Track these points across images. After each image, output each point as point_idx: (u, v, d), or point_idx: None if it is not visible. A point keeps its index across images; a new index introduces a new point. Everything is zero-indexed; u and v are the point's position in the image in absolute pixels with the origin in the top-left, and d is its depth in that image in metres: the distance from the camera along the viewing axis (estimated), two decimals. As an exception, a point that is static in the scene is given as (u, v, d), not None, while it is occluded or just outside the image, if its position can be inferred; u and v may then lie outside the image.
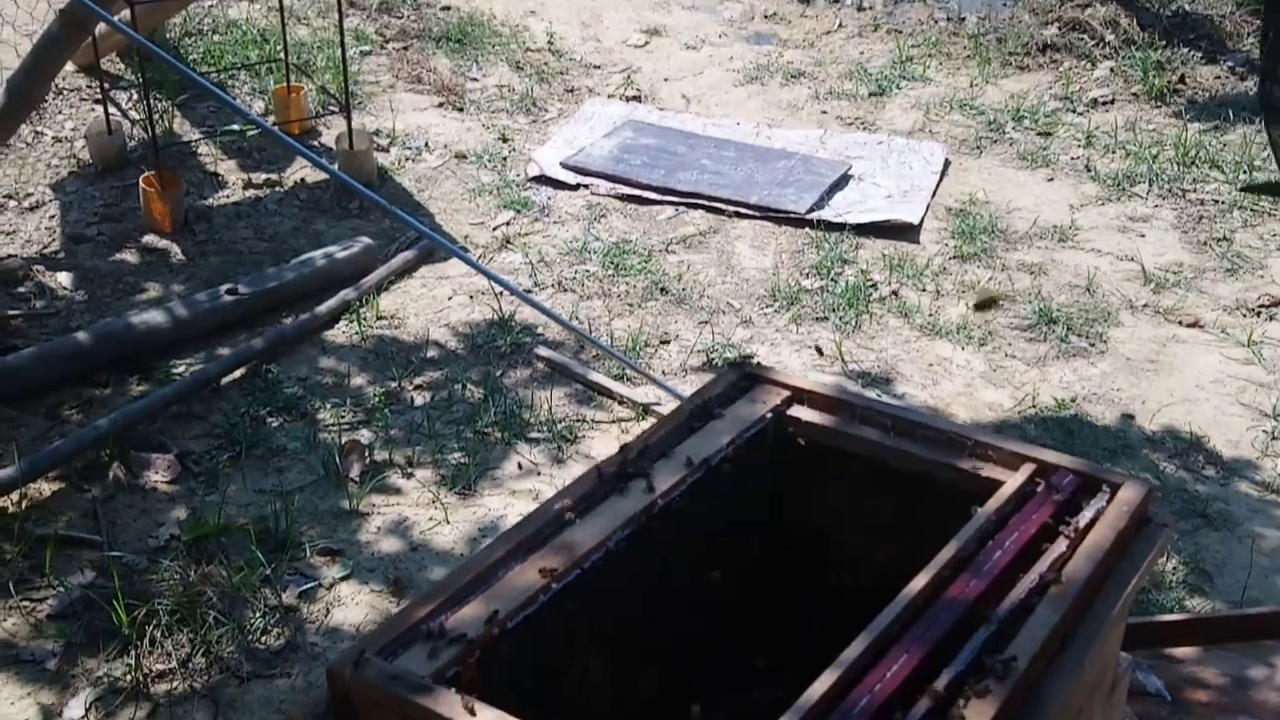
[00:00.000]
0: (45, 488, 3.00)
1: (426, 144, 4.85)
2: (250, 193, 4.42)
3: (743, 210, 4.42)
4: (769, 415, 1.68)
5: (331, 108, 4.88)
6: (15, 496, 2.94)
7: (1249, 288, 4.06)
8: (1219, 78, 5.59)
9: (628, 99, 5.36)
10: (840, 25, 6.21)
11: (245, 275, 3.82)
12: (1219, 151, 4.91)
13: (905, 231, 4.32)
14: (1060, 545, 1.40)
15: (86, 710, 2.43)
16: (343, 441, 3.20)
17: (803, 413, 1.69)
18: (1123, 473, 1.52)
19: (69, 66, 4.77)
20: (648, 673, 1.58)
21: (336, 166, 4.26)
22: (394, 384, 3.46)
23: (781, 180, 4.58)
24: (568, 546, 1.42)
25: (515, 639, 1.32)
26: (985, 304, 3.89)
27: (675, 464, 1.57)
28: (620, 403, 3.41)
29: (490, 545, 1.41)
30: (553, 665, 1.43)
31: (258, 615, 2.66)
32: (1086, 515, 1.44)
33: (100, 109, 4.56)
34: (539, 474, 3.14)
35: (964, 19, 6.26)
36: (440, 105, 5.17)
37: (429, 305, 3.85)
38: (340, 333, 3.69)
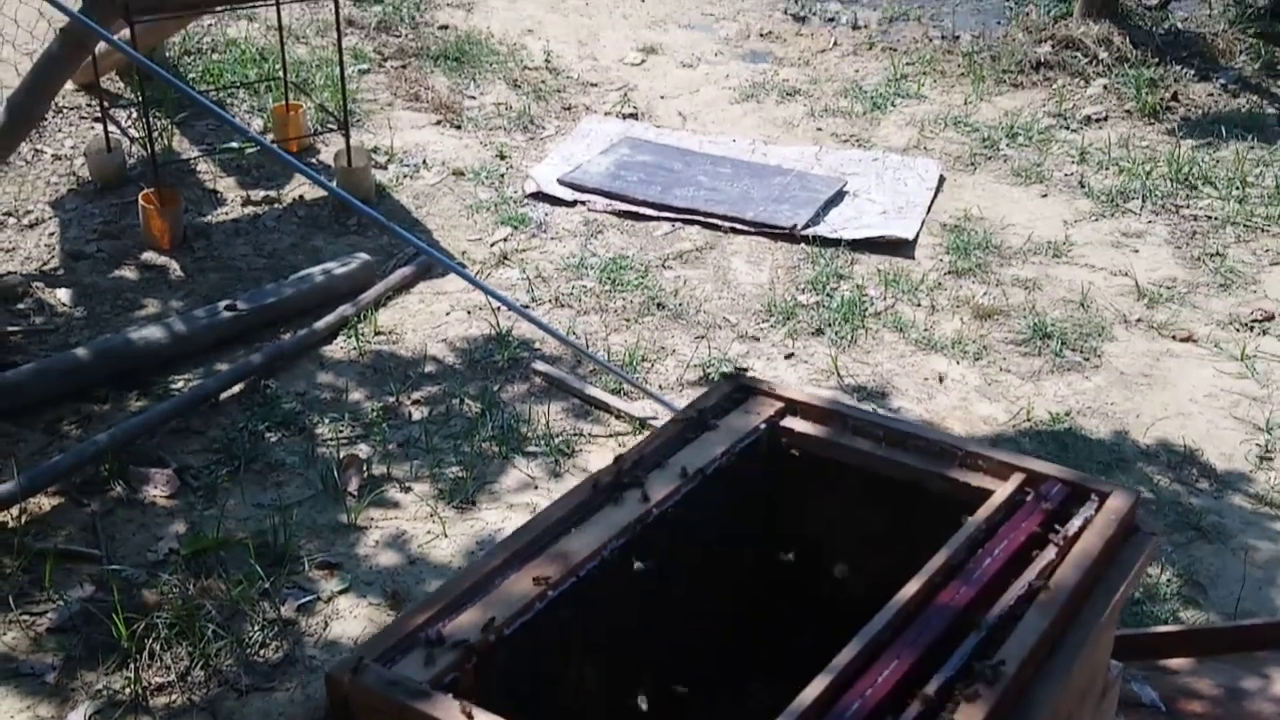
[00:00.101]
0: (45, 502, 3.02)
1: (424, 161, 4.88)
2: (249, 210, 4.44)
3: (738, 226, 4.45)
4: (763, 426, 1.70)
5: (330, 125, 4.91)
6: (15, 511, 2.95)
7: (1242, 302, 4.09)
8: (1211, 95, 5.64)
9: (624, 116, 5.40)
10: (835, 43, 6.26)
11: (244, 291, 3.84)
12: (1212, 168, 4.95)
13: (900, 247, 4.35)
14: (1049, 553, 1.42)
15: (85, 723, 2.44)
16: (341, 456, 3.21)
17: (796, 424, 1.71)
18: (1111, 482, 1.53)
19: (69, 85, 4.81)
20: (642, 681, 1.60)
21: (335, 184, 4.28)
22: (392, 399, 3.48)
23: (777, 196, 4.61)
24: (563, 555, 1.43)
25: (511, 646, 1.33)
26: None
27: (670, 474, 1.59)
28: (617, 417, 3.43)
29: (487, 554, 1.43)
30: (549, 673, 1.44)
31: (256, 628, 2.68)
32: (1075, 524, 1.46)
33: (100, 127, 4.59)
34: (536, 487, 3.16)
35: (958, 37, 6.31)
36: (438, 123, 5.21)
37: (427, 321, 3.87)
38: (338, 348, 3.71)
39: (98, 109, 4.74)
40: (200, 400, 3.36)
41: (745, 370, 1.82)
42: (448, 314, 3.91)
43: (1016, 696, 1.25)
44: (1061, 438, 3.39)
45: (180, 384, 3.49)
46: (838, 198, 4.66)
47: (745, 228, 4.44)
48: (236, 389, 3.46)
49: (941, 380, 3.62)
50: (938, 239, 4.44)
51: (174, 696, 2.51)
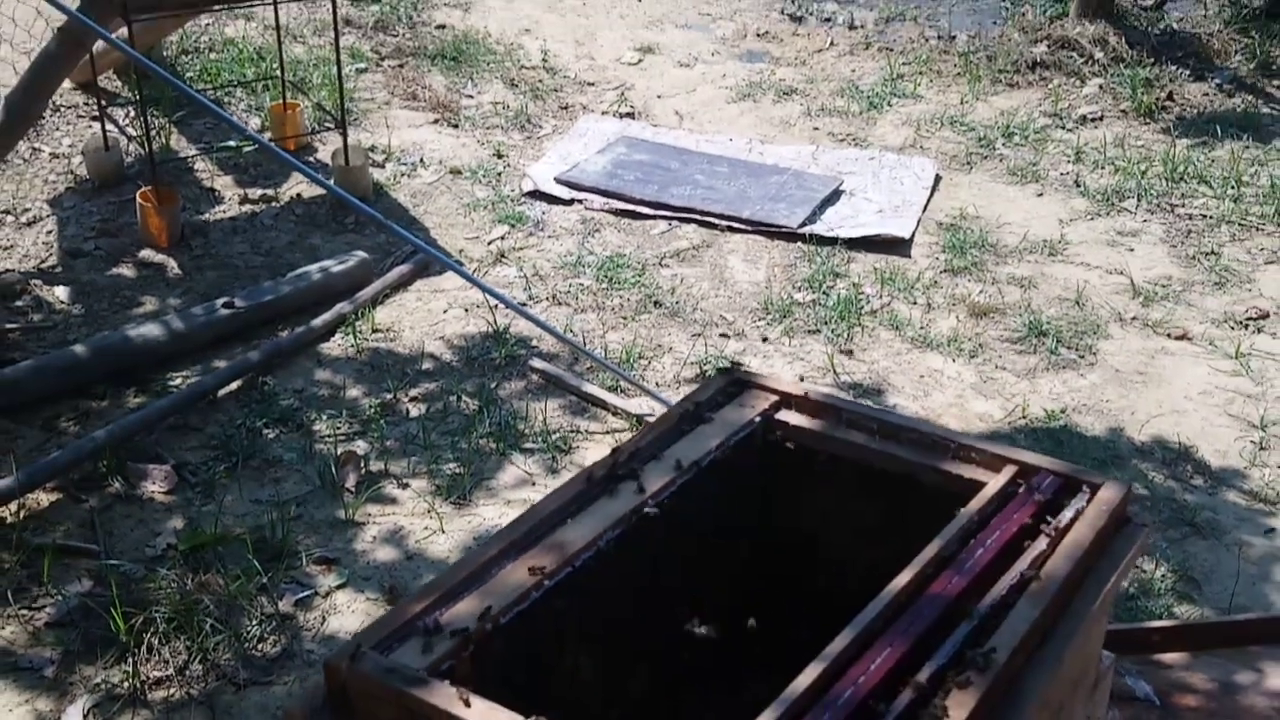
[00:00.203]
0: (43, 498, 3.03)
1: (422, 160, 4.89)
2: (246, 208, 4.45)
3: (735, 225, 4.46)
4: (757, 419, 1.71)
5: (327, 124, 4.92)
6: (13, 507, 2.96)
7: (1236, 301, 4.11)
8: (1207, 94, 5.65)
9: (621, 116, 5.41)
10: (832, 43, 6.27)
11: (242, 289, 3.85)
12: (1207, 167, 4.96)
13: (896, 245, 4.37)
14: (1041, 544, 1.43)
15: (84, 717, 2.44)
16: (338, 452, 3.22)
17: (790, 417, 1.72)
18: (1102, 474, 1.55)
19: (67, 84, 4.81)
20: (638, 672, 1.61)
21: (332, 182, 4.29)
22: (389, 396, 3.49)
23: (774, 195, 4.62)
24: (559, 546, 1.45)
25: (508, 635, 1.35)
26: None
27: (665, 466, 1.60)
28: (614, 414, 3.44)
29: (483, 545, 1.44)
30: (545, 662, 1.45)
31: (254, 623, 2.69)
32: (1067, 515, 1.48)
33: (97, 125, 4.60)
34: (533, 484, 3.17)
35: (954, 37, 6.32)
36: (435, 122, 5.22)
37: (424, 318, 3.89)
38: (336, 345, 3.72)
39: (95, 107, 4.75)
40: (198, 397, 3.37)
41: (740, 364, 1.83)
42: (445, 312, 3.92)
43: (1008, 684, 1.27)
44: (1057, 435, 3.41)
45: (178, 381, 3.50)
46: (834, 196, 4.67)
47: (742, 226, 4.46)
48: (234, 386, 3.47)
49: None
50: (934, 238, 4.45)
51: (172, 690, 2.52)
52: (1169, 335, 3.91)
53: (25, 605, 2.72)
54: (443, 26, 6.20)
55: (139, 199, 4.14)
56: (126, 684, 2.52)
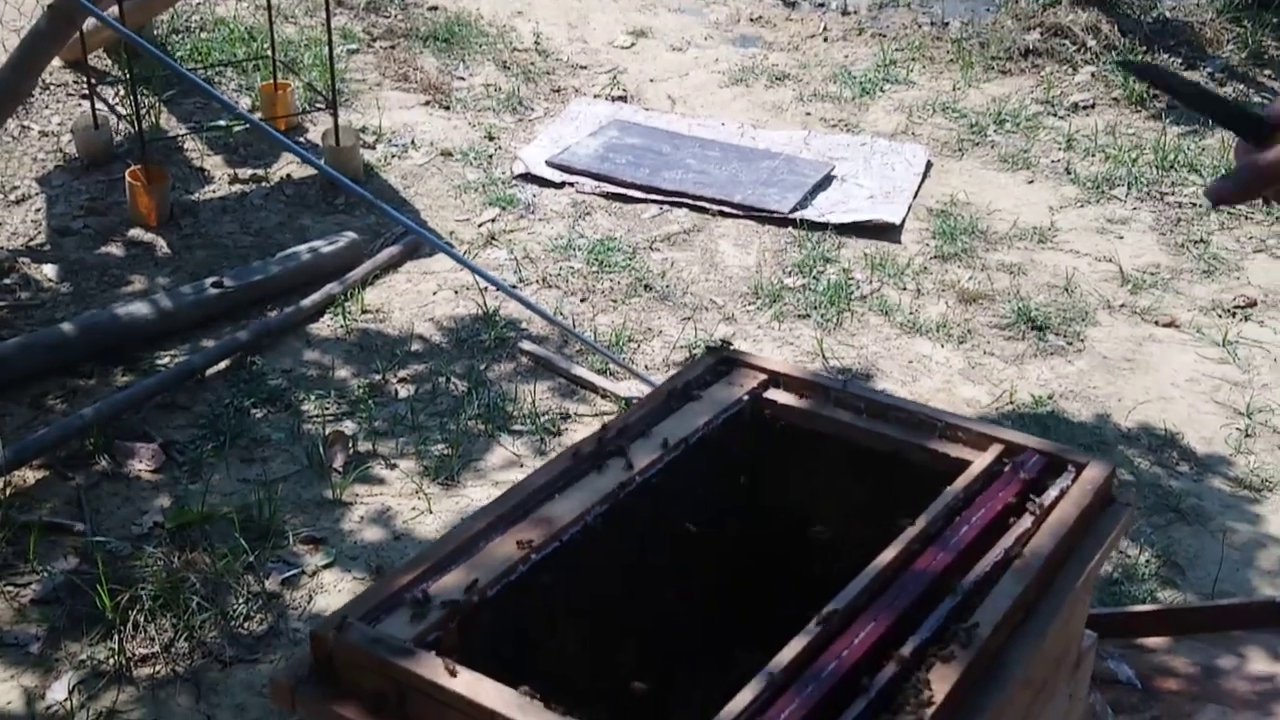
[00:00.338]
0: (29, 475, 3.02)
1: (413, 141, 4.88)
2: (236, 188, 4.44)
3: (726, 209, 4.46)
4: (746, 397, 1.71)
5: (318, 105, 4.91)
6: (0, 484, 2.95)
7: (1225, 289, 4.12)
8: (1198, 83, 5.65)
9: (613, 99, 5.40)
10: (825, 29, 6.27)
11: (230, 269, 3.84)
12: (1197, 155, 4.98)
13: (887, 231, 4.37)
14: (1025, 521, 1.43)
15: (69, 693, 2.44)
16: (326, 432, 3.22)
17: (779, 395, 1.72)
18: (1087, 455, 1.55)
19: (56, 62, 4.79)
20: (625, 647, 1.61)
21: (323, 163, 4.28)
22: (378, 377, 3.48)
23: (765, 180, 4.62)
24: (546, 520, 1.45)
25: (495, 608, 1.35)
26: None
27: (653, 444, 1.60)
28: (603, 396, 3.44)
29: (470, 518, 1.44)
30: (532, 637, 1.46)
31: (241, 601, 2.69)
32: (1052, 493, 1.48)
33: (87, 104, 4.57)
34: (522, 465, 3.17)
35: (947, 24, 6.32)
36: (427, 103, 5.20)
37: (414, 300, 3.88)
38: (325, 326, 3.72)
39: (85, 86, 4.73)
40: (186, 376, 3.37)
41: (729, 343, 1.84)
42: (435, 293, 3.92)
43: (991, 659, 1.27)
44: (1044, 420, 3.42)
45: (166, 360, 3.49)
46: (825, 182, 4.67)
47: (733, 211, 4.46)
48: (222, 365, 3.47)
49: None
50: (924, 224, 4.46)
51: (158, 667, 2.52)
52: (1157, 322, 3.92)
53: (11, 582, 2.72)
54: (435, 8, 6.18)
55: (128, 178, 4.12)
56: (112, 661, 2.52)
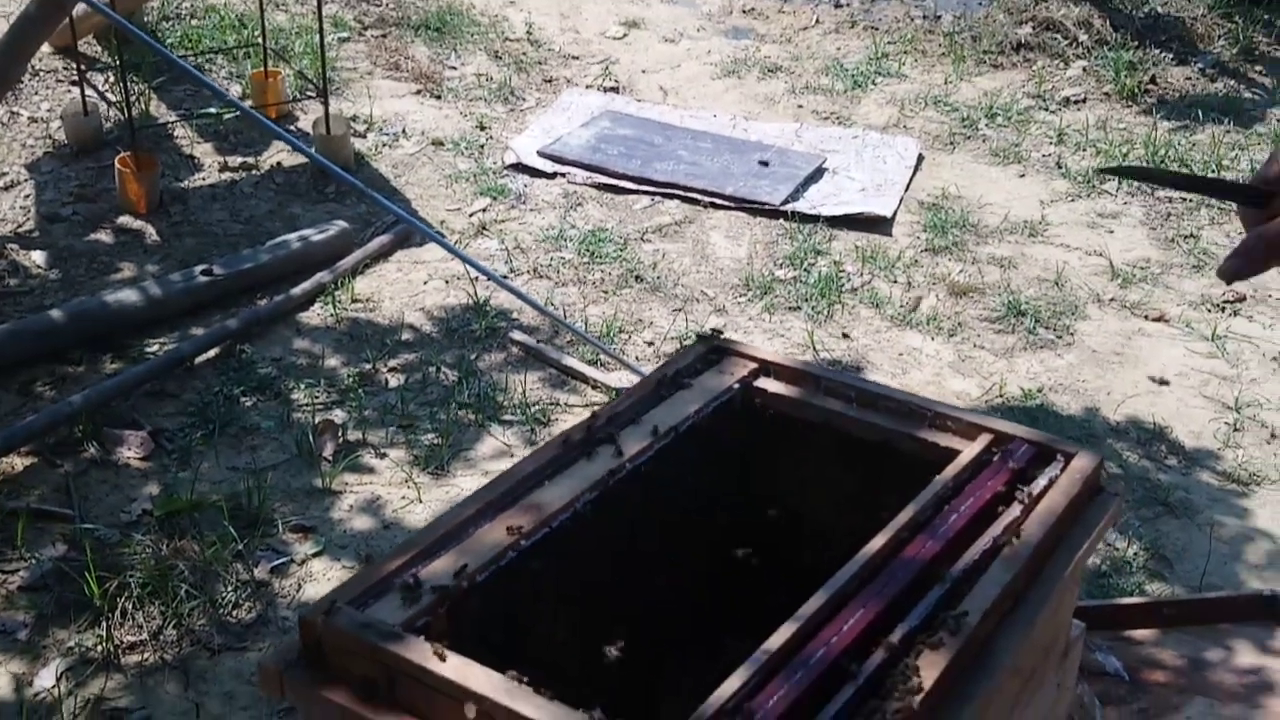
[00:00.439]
0: (18, 462, 3.01)
1: (404, 130, 4.86)
2: (226, 175, 4.42)
3: (718, 201, 4.46)
4: (736, 386, 1.71)
5: (309, 93, 4.89)
6: (-13, 470, 2.95)
7: (1214, 284, 4.13)
8: (1189, 79, 5.67)
9: (605, 90, 5.39)
10: (817, 21, 6.26)
11: (220, 257, 3.83)
12: (1188, 151, 4.99)
13: (878, 224, 4.37)
14: (1014, 510, 1.43)
15: (57, 680, 2.44)
16: (316, 421, 3.22)
17: (769, 384, 1.72)
18: (1076, 445, 1.56)
19: (46, 48, 4.76)
20: (615, 634, 1.61)
21: (314, 151, 4.26)
22: (368, 366, 3.48)
23: (757, 172, 4.62)
24: (536, 507, 1.44)
25: (484, 593, 1.35)
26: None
27: (643, 431, 1.60)
28: (594, 387, 3.44)
29: (460, 504, 1.44)
30: (522, 623, 1.45)
31: (229, 589, 2.68)
32: (1040, 482, 1.48)
33: (77, 90, 4.55)
34: (512, 455, 3.17)
35: (940, 17, 6.32)
36: (418, 93, 5.19)
37: (404, 289, 3.87)
38: (315, 315, 3.71)
39: (75, 72, 4.70)
40: (175, 364, 3.36)
41: (720, 332, 1.83)
42: (426, 283, 3.91)
43: (979, 647, 1.27)
44: (1033, 413, 3.43)
45: (155, 347, 3.48)
46: (817, 174, 4.67)
47: (725, 203, 4.46)
48: (212, 353, 3.46)
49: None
50: (915, 217, 4.46)
51: (146, 655, 2.52)
52: (1146, 317, 3.93)
53: (-1, 568, 2.72)
54: (427, -3, 6.16)
55: (118, 165, 4.11)
56: (100, 648, 2.51)
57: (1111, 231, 4.43)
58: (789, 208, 4.40)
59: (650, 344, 3.66)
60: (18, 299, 3.68)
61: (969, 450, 1.54)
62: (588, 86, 5.41)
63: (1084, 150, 5.00)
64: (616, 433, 1.60)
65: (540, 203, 4.44)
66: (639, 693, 1.57)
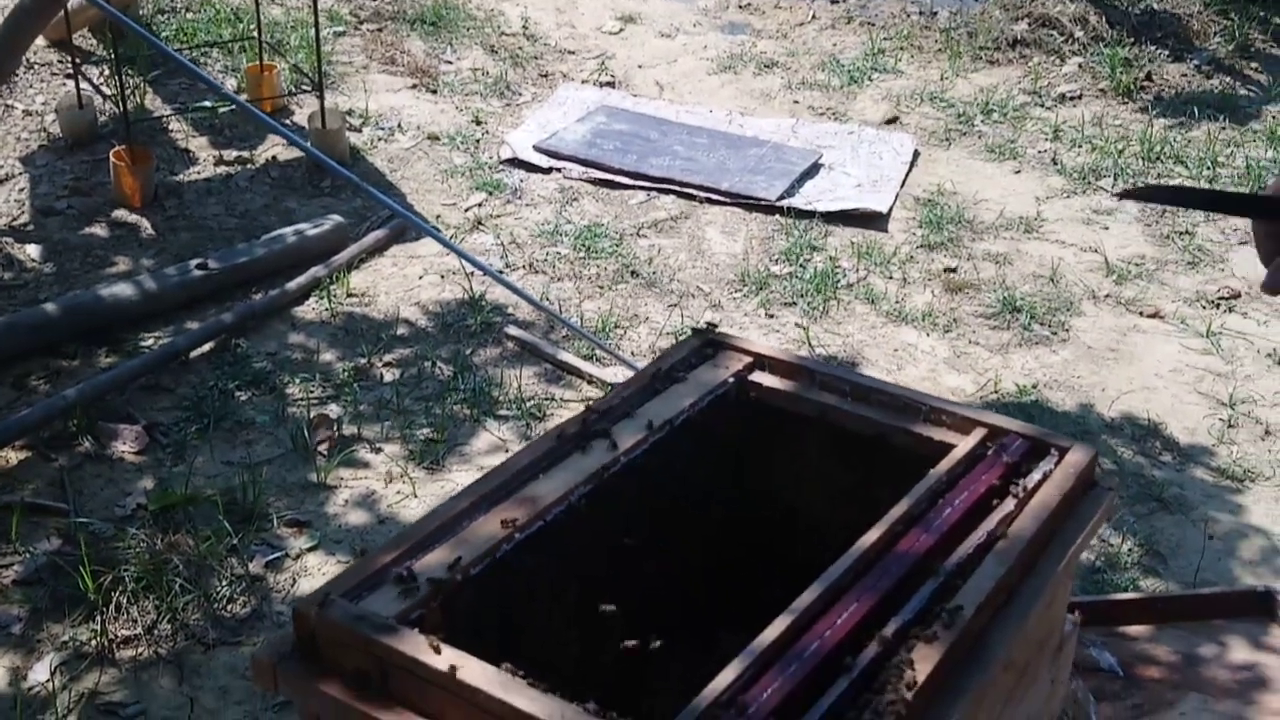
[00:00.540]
0: (12, 456, 3.01)
1: (399, 125, 4.86)
2: (221, 169, 4.42)
3: (714, 196, 4.46)
4: (731, 380, 1.71)
5: (304, 87, 4.88)
6: (-19, 464, 2.94)
7: (1209, 280, 4.13)
8: (1185, 75, 5.67)
9: (601, 85, 5.39)
10: (814, 17, 6.26)
11: (215, 250, 3.82)
12: (1183, 147, 4.99)
13: (874, 220, 4.37)
14: (1008, 504, 1.44)
15: (52, 674, 2.44)
16: (311, 416, 3.21)
17: (764, 378, 1.73)
18: (1070, 439, 1.56)
19: (41, 41, 4.75)
20: (609, 628, 1.61)
21: (309, 145, 4.26)
22: (363, 360, 3.47)
23: (753, 168, 4.62)
24: (530, 500, 1.45)
25: (478, 586, 1.35)
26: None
27: (637, 425, 1.60)
28: (589, 382, 3.44)
29: (455, 497, 1.44)
30: (516, 617, 1.46)
31: (224, 584, 2.68)
32: (1034, 477, 1.49)
33: (71, 83, 4.54)
34: (507, 450, 3.16)
35: (936, 13, 6.31)
36: (414, 87, 5.18)
37: (400, 284, 3.87)
38: (310, 309, 3.70)
39: (70, 65, 4.69)
40: (170, 358, 3.35)
41: (714, 326, 1.84)
42: (421, 277, 3.90)
43: (973, 640, 1.28)
44: (1028, 409, 3.43)
45: (150, 341, 3.47)
46: (813, 170, 4.67)
47: (720, 198, 4.45)
48: (207, 347, 3.45)
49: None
50: (911, 213, 4.46)
51: (140, 649, 2.51)
52: (1141, 313, 3.94)
53: (-7, 562, 2.71)
54: (422, -8, 6.15)
55: (112, 158, 4.10)
56: (94, 642, 2.51)
57: (1106, 228, 4.44)
58: (785, 203, 4.40)
59: (645, 339, 3.66)
60: (12, 292, 3.67)
61: (963, 444, 1.54)
62: (583, 81, 5.41)
63: (1079, 147, 5.00)
64: (611, 427, 1.60)
65: (536, 198, 4.43)
66: (633, 685, 1.57)
